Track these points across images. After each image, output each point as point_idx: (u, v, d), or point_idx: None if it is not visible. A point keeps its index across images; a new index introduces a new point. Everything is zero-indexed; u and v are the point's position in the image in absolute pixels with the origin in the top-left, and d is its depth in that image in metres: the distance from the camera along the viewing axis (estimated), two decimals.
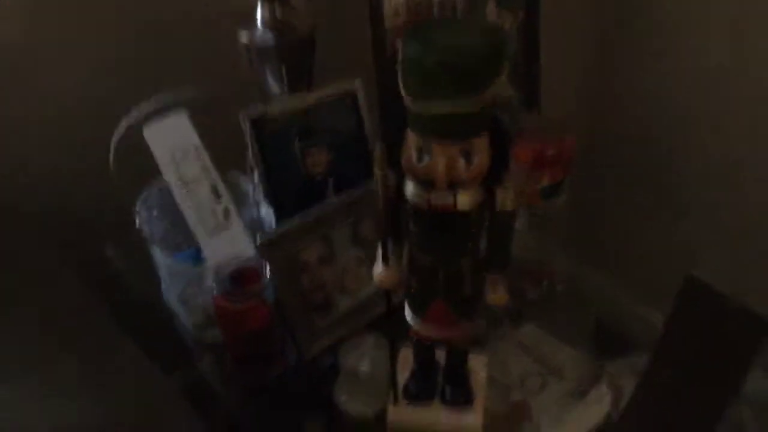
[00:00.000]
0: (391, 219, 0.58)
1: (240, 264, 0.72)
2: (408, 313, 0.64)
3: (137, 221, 0.79)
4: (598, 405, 0.82)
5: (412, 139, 0.52)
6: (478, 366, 0.73)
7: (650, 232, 1.11)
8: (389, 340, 0.64)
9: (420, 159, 0.52)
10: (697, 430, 0.69)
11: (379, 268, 0.57)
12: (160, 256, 0.78)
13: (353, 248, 0.79)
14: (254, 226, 0.86)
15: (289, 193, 0.85)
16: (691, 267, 0.95)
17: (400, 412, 0.69)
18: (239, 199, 0.87)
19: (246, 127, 0.81)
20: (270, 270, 0.71)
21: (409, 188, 0.56)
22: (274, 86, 0.85)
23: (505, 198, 0.55)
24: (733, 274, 0.88)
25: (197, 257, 0.86)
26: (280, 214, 0.84)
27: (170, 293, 0.82)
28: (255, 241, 0.72)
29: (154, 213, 0.87)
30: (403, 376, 0.72)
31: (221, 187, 0.84)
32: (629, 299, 0.96)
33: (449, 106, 0.48)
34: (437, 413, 0.69)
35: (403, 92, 0.50)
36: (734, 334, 0.81)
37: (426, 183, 0.53)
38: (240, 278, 0.71)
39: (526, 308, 0.97)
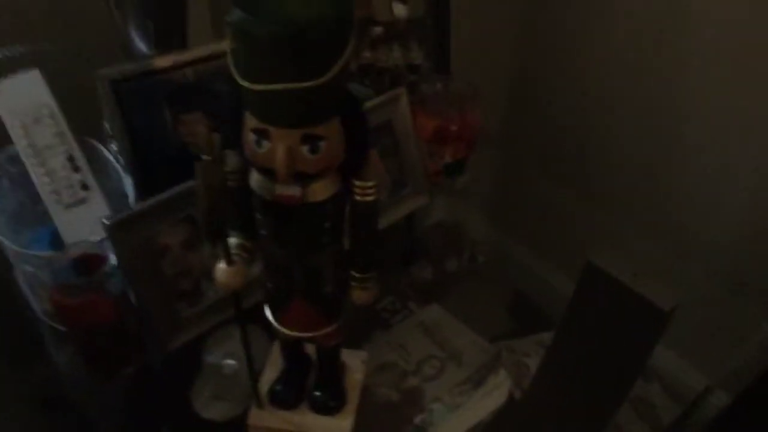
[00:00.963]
0: (238, 208, 0.50)
1: (86, 249, 0.63)
2: (268, 314, 0.57)
3: None
4: (495, 393, 0.78)
5: (249, 120, 0.44)
6: (354, 363, 0.67)
7: (573, 211, 1.07)
8: (243, 339, 0.56)
9: (259, 145, 0.44)
10: (601, 409, 0.67)
11: (220, 265, 0.50)
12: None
13: None
14: (120, 200, 0.77)
15: (159, 166, 0.76)
16: (593, 243, 0.93)
17: (262, 417, 0.62)
18: (101, 169, 0.77)
19: (105, 89, 0.71)
20: (119, 256, 0.63)
21: (253, 176, 0.48)
22: (140, 44, 0.75)
23: (365, 191, 0.48)
24: (646, 258, 0.85)
25: (54, 236, 0.76)
26: (147, 190, 0.75)
27: (19, 276, 0.73)
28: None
29: (4, 184, 0.77)
30: (274, 373, 0.65)
31: (78, 156, 0.74)
32: (549, 274, 0.93)
33: (281, 83, 0.40)
34: (304, 419, 0.62)
35: (231, 67, 0.42)
36: (633, 320, 0.79)
37: (267, 171, 0.45)
38: (86, 266, 0.62)
39: (444, 280, 0.93)
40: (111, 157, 0.76)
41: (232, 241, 0.51)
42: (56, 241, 0.77)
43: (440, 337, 0.84)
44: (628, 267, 0.84)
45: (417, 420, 0.74)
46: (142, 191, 0.74)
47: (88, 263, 0.63)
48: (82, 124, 0.75)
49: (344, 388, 0.65)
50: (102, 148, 0.77)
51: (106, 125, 0.73)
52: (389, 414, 0.74)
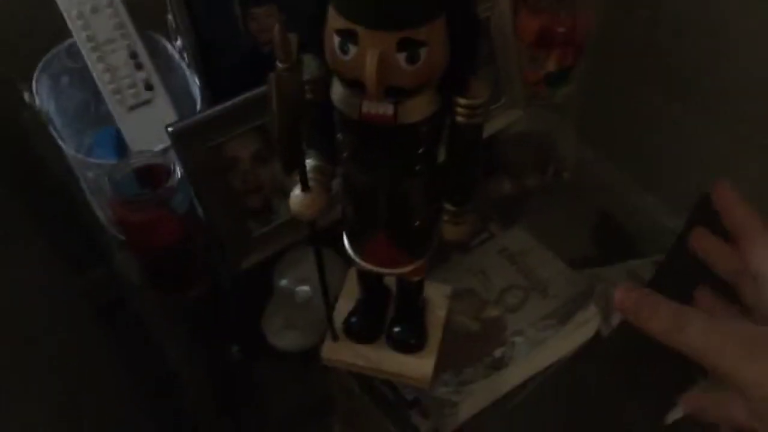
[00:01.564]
0: (292, 125, 0.42)
1: (149, 159, 0.57)
2: (346, 243, 0.51)
3: (26, 95, 0.63)
4: (583, 329, 0.71)
5: (333, 18, 0.35)
6: (437, 298, 0.60)
7: (670, 131, 0.95)
8: (318, 268, 0.50)
9: (344, 50, 0.35)
10: None
11: (296, 192, 0.42)
12: (58, 140, 0.63)
13: None
14: (187, 103, 0.71)
15: (227, 67, 0.68)
16: (708, 175, 0.82)
17: (336, 350, 0.57)
18: (167, 68, 0.70)
19: None
20: (184, 167, 0.57)
21: (336, 89, 0.40)
22: None
23: (471, 111, 0.39)
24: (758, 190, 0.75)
25: (118, 138, 0.71)
26: (216, 94, 0.68)
27: (82, 181, 0.68)
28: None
29: (64, 81, 0.71)
30: (348, 303, 0.60)
31: (142, 53, 0.67)
32: (639, 196, 0.85)
33: None
34: (381, 355, 0.57)
35: None
36: None
37: (356, 84, 0.37)
38: (149, 178, 0.57)
39: (525, 195, 0.85)
40: (176, 55, 0.69)
41: (309, 162, 0.43)
42: (121, 144, 0.72)
43: (524, 265, 0.76)
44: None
45: (497, 353, 0.68)
46: (210, 95, 0.67)
47: (153, 175, 0.57)
48: (145, 16, 0.68)
49: (426, 325, 0.58)
50: (167, 44, 0.69)
51: (170, 19, 0.65)
52: (467, 344, 0.69)
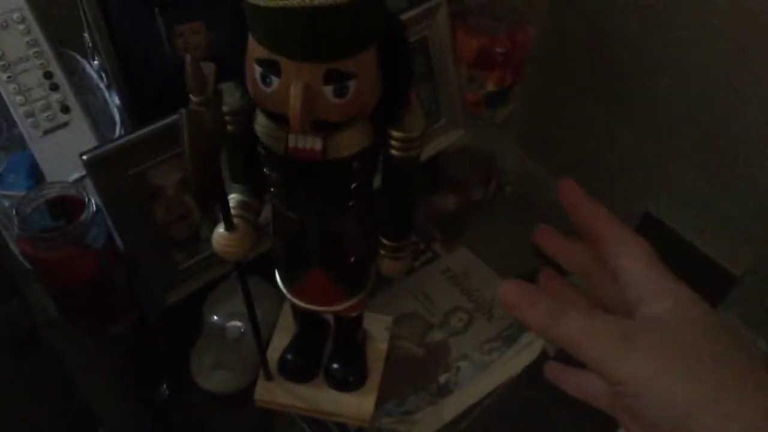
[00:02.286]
0: (240, 157, 0.39)
1: (62, 191, 0.52)
2: (278, 280, 0.47)
3: None
4: (528, 350, 0.69)
5: (253, 47, 0.32)
6: (378, 331, 0.58)
7: (611, 145, 0.95)
8: (247, 303, 0.46)
9: (266, 82, 0.32)
10: None
11: (220, 231, 0.39)
12: None
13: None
14: (108, 126, 0.66)
15: (151, 87, 0.64)
16: (649, 187, 0.82)
17: (271, 391, 0.54)
18: (85, 89, 0.66)
19: None
20: (102, 197, 0.52)
21: (260, 120, 0.37)
22: None
23: (406, 144, 0.37)
24: (695, 207, 0.75)
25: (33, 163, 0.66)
26: (139, 117, 0.64)
27: None
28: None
29: None
30: (284, 338, 0.56)
31: (57, 72, 0.62)
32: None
33: None
34: (318, 395, 0.54)
35: None
36: (697, 283, 0.70)
37: (277, 117, 0.34)
38: (63, 210, 0.52)
39: (469, 210, 0.83)
40: (95, 75, 0.64)
41: (234, 198, 0.40)
42: (34, 169, 0.67)
43: (469, 286, 0.74)
44: (693, 221, 0.74)
45: (441, 379, 0.66)
46: (133, 118, 0.62)
47: (67, 207, 0.52)
48: (61, 33, 0.63)
49: (366, 360, 0.56)
50: (86, 63, 0.65)
51: (87, 36, 0.60)
52: (411, 371, 0.66)
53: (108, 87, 0.63)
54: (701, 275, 0.69)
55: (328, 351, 0.56)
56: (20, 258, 0.63)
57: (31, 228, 0.50)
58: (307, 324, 0.54)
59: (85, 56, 0.64)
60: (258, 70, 0.32)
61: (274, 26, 0.30)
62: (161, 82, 0.64)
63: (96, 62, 0.61)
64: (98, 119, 0.66)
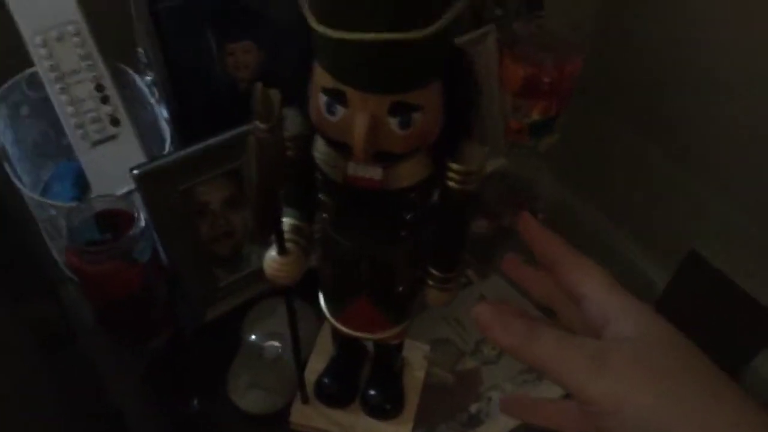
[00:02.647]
0: (271, 188, 0.39)
1: (111, 204, 0.53)
2: (323, 305, 0.47)
3: None
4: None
5: (320, 76, 0.32)
6: (416, 359, 0.57)
7: (654, 178, 0.94)
8: (291, 324, 0.46)
9: (331, 110, 0.32)
10: None
11: (272, 254, 0.39)
12: (14, 178, 0.59)
13: None
14: (155, 141, 0.67)
15: (201, 104, 0.65)
16: (695, 227, 0.80)
17: (306, 414, 0.53)
18: (135, 103, 0.67)
19: (140, 8, 0.59)
20: (150, 212, 0.53)
21: (319, 147, 0.37)
22: None
23: (464, 177, 0.36)
24: (738, 252, 0.74)
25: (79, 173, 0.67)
26: (187, 133, 0.64)
27: (38, 220, 0.64)
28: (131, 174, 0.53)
29: (23, 112, 0.67)
30: (321, 361, 0.56)
31: (109, 85, 0.63)
32: (618, 241, 0.83)
33: (374, 32, 0.28)
34: (354, 421, 0.53)
35: (301, 1, 0.30)
36: (737, 322, 0.69)
37: (341, 146, 0.34)
38: (110, 223, 0.53)
39: (500, 236, 0.83)
40: (146, 90, 0.65)
41: (286, 221, 0.40)
42: (82, 180, 0.67)
43: None
44: (741, 263, 0.72)
45: (472, 409, 0.65)
46: (181, 134, 0.63)
47: (115, 220, 0.53)
48: (114, 47, 0.64)
49: (403, 389, 0.55)
50: (137, 77, 0.66)
51: (141, 51, 0.61)
52: (441, 399, 0.65)
53: (158, 102, 0.64)
54: (747, 319, 0.67)
55: (365, 376, 0.56)
56: (62, 266, 0.64)
57: (79, 240, 0.51)
58: (346, 348, 0.54)
59: (137, 71, 0.65)
60: (323, 98, 0.32)
61: (344, 57, 0.30)
62: (210, 100, 0.65)
63: (148, 77, 0.62)
64: (146, 133, 0.66)
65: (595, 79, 0.81)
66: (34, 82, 0.65)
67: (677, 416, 0.27)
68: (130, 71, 0.65)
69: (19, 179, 0.60)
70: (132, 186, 0.55)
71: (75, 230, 0.50)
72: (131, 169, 0.52)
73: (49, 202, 0.55)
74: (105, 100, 0.63)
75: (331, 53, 0.31)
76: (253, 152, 0.30)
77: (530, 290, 0.38)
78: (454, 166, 0.36)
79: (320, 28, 0.29)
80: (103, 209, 0.52)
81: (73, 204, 0.53)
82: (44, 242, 0.65)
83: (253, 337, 0.58)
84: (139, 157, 0.64)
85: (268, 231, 0.36)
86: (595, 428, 0.31)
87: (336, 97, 0.32)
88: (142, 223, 0.50)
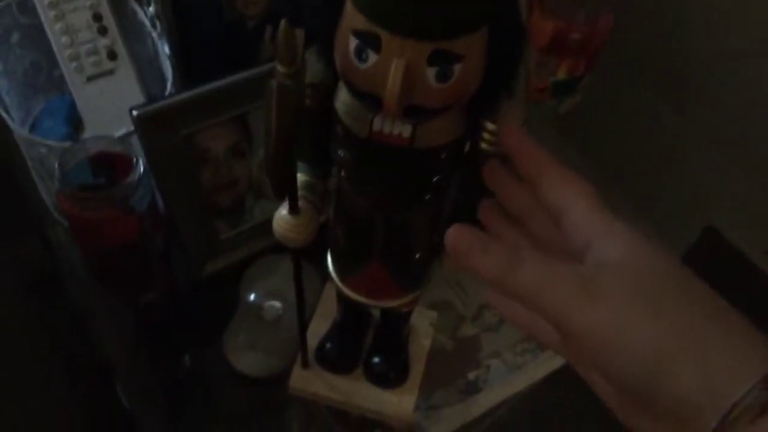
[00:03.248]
0: (289, 138, 0.35)
1: (107, 146, 0.49)
2: (331, 268, 0.44)
3: None
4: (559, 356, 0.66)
5: (351, 16, 0.28)
6: (422, 326, 0.55)
7: (672, 145, 0.91)
8: (297, 286, 0.43)
9: (361, 57, 0.29)
10: None
11: (283, 213, 0.35)
12: (2, 113, 0.55)
13: None
14: (155, 79, 0.62)
15: (206, 42, 0.60)
16: (713, 201, 0.78)
17: (306, 380, 0.51)
18: (135, 36, 0.62)
19: None
20: (149, 157, 0.49)
21: (342, 98, 0.33)
22: None
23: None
24: (762, 227, 0.71)
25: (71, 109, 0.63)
26: (190, 73, 0.60)
27: (27, 159, 0.60)
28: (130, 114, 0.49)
29: (14, 39, 0.62)
30: (323, 325, 0.53)
31: (107, 15, 0.59)
32: (621, 209, 0.80)
33: None
34: (356, 388, 0.51)
35: None
36: (753, 301, 0.66)
37: (368, 97, 0.30)
38: (105, 166, 0.49)
39: None
40: (147, 23, 0.60)
41: (299, 178, 0.36)
42: (73, 116, 0.63)
43: None
44: (759, 240, 0.69)
45: (471, 376, 0.63)
46: (182, 73, 0.59)
47: (110, 164, 0.49)
48: None
49: (408, 357, 0.52)
50: (137, 8, 0.61)
51: None
52: (440, 364, 0.63)
53: (160, 37, 0.59)
54: (763, 298, 0.65)
55: (368, 342, 0.53)
56: (51, 209, 0.60)
57: (72, 183, 0.47)
58: (351, 313, 0.51)
59: (138, 1, 0.60)
60: (354, 42, 0.28)
61: None
62: (215, 37, 0.61)
63: (151, 9, 0.58)
64: (144, 71, 0.62)
65: (616, 40, 0.77)
66: (27, 6, 0.60)
67: (680, 348, 0.25)
68: (131, 1, 0.60)
69: (7, 113, 0.55)
70: (130, 128, 0.51)
71: (68, 173, 0.47)
72: (131, 110, 0.48)
73: (41, 140, 0.51)
74: (102, 30, 0.59)
75: None
76: (273, 99, 0.26)
77: (509, 205, 0.33)
78: (491, 126, 0.33)
79: None
80: (98, 151, 0.49)
81: (67, 144, 0.50)
82: (33, 181, 0.61)
83: (253, 295, 0.55)
84: (137, 95, 0.60)
85: (285, 186, 0.32)
86: (580, 359, 0.28)
87: (369, 41, 0.28)
88: (141, 169, 0.47)
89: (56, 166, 0.47)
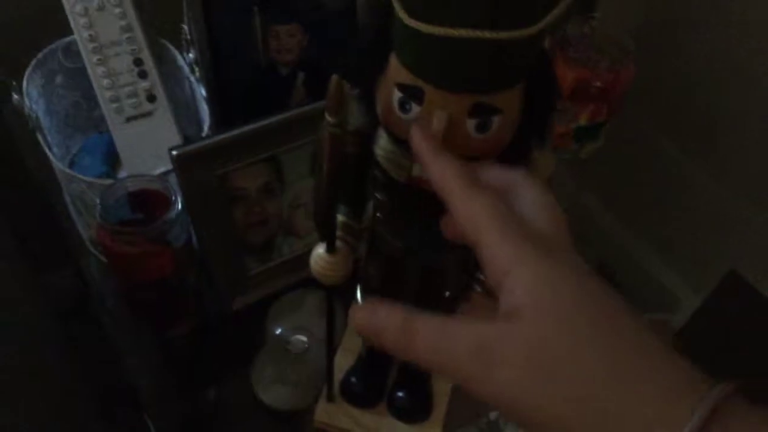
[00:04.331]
0: (338, 182, 0.37)
1: (146, 184, 0.51)
2: (360, 303, 0.45)
3: (14, 95, 0.57)
4: None
5: (396, 70, 0.30)
6: None
7: (681, 189, 0.92)
8: (328, 322, 0.44)
9: (404, 108, 0.31)
10: None
11: (320, 252, 0.37)
12: (46, 148, 0.57)
13: (311, 177, 0.58)
14: (191, 122, 0.65)
15: (241, 86, 0.63)
16: (734, 246, 0.78)
17: (331, 413, 0.52)
18: (173, 81, 0.65)
19: None
20: (186, 195, 0.51)
21: (382, 144, 0.35)
22: None
23: None
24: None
25: (109, 147, 0.65)
26: (225, 116, 0.63)
27: (65, 194, 0.62)
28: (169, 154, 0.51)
29: (58, 81, 0.65)
30: (348, 359, 0.54)
31: (148, 60, 0.61)
32: (640, 252, 0.82)
33: (471, 28, 0.26)
34: (380, 422, 0.52)
35: None
36: None
37: (409, 145, 0.32)
38: (144, 204, 0.51)
39: None
40: (186, 68, 0.63)
41: (337, 218, 0.38)
42: (111, 154, 0.66)
43: None
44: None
45: (492, 415, 0.63)
46: (219, 116, 0.61)
47: (147, 200, 0.51)
48: (156, 21, 0.62)
49: (432, 392, 0.53)
50: (177, 54, 0.64)
51: (185, 27, 0.59)
52: (463, 400, 0.63)
53: (198, 81, 0.62)
54: None
55: (392, 377, 0.54)
56: (87, 242, 0.62)
57: (111, 218, 0.49)
58: (376, 348, 0.52)
59: (177, 47, 0.63)
60: (397, 95, 0.30)
61: (430, 53, 0.28)
62: (250, 82, 0.63)
63: (190, 55, 0.60)
64: (181, 113, 0.65)
65: (637, 88, 0.79)
66: (71, 51, 0.63)
67: (578, 419, 0.23)
68: (171, 47, 0.63)
69: (50, 150, 0.58)
70: (167, 166, 0.53)
71: (108, 208, 0.49)
72: (170, 149, 0.50)
73: (83, 177, 0.53)
74: (143, 74, 0.61)
75: (415, 47, 0.29)
76: (325, 147, 0.28)
77: (450, 237, 0.30)
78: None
79: (407, 19, 0.27)
80: (137, 188, 0.51)
81: (108, 181, 0.52)
82: (70, 216, 0.63)
83: (279, 329, 0.56)
84: (173, 136, 0.62)
85: (330, 227, 0.34)
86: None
87: (413, 94, 0.30)
88: (179, 206, 0.49)
89: (97, 201, 0.49)
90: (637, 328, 0.24)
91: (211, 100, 0.61)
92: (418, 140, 0.29)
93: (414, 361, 0.26)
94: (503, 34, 0.26)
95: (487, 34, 0.26)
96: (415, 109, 0.30)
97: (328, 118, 0.29)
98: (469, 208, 0.27)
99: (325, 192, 0.30)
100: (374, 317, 0.28)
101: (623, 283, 0.80)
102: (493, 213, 0.26)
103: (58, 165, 0.55)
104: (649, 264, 0.83)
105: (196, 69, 0.61)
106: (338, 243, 0.37)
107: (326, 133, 0.28)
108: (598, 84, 0.65)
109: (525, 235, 0.26)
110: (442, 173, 0.28)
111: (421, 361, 0.26)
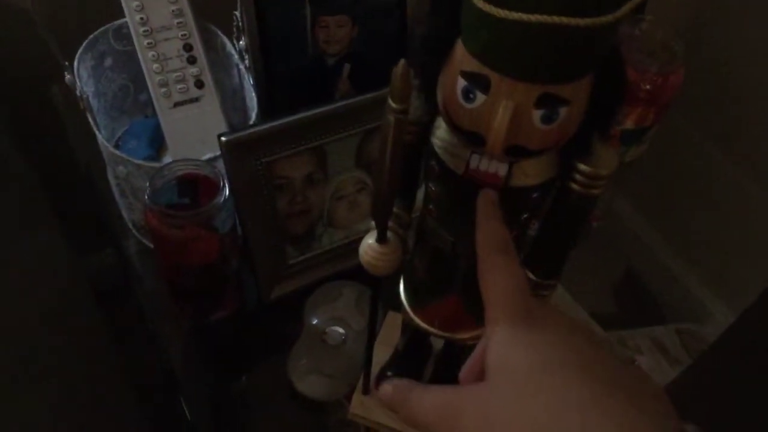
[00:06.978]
0: (400, 171, 0.37)
1: (194, 169, 0.51)
2: (403, 297, 0.45)
3: (66, 75, 0.58)
4: None
5: (461, 58, 0.30)
6: None
7: (719, 199, 0.90)
8: (371, 317, 0.44)
9: (468, 97, 0.30)
10: None
11: (370, 242, 0.37)
12: (95, 129, 0.58)
13: (355, 169, 0.58)
14: (237, 109, 0.65)
15: (288, 76, 0.63)
16: (760, 262, 0.77)
17: (366, 406, 0.51)
18: (221, 67, 0.65)
19: None
20: (232, 181, 0.51)
21: (440, 134, 0.34)
22: None
23: (591, 181, 0.34)
24: None
25: (155, 131, 0.66)
26: (270, 104, 0.63)
27: (110, 176, 0.63)
28: (218, 140, 0.51)
29: (107, 63, 0.66)
30: (383, 353, 0.54)
31: (198, 46, 0.62)
32: (670, 258, 0.82)
33: (545, 13, 0.26)
34: None
35: None
36: None
37: (470, 136, 0.31)
38: (191, 189, 0.51)
39: None
40: (236, 55, 0.63)
41: None
42: (156, 138, 0.67)
43: None
44: None
45: None
46: (266, 105, 0.61)
47: (195, 185, 0.52)
48: (208, 7, 0.63)
49: None
50: (226, 41, 0.64)
51: (237, 15, 0.60)
52: None
53: (247, 69, 0.62)
54: None
55: (428, 372, 0.53)
56: (129, 224, 0.63)
57: (159, 201, 0.49)
58: (414, 343, 0.52)
59: (227, 34, 0.63)
60: (462, 83, 0.30)
61: (500, 39, 0.28)
62: (298, 71, 0.64)
63: (241, 43, 0.61)
64: (227, 99, 0.65)
65: (685, 95, 0.78)
66: (122, 33, 0.64)
67: None
68: (221, 34, 0.64)
69: (99, 131, 0.59)
70: (214, 152, 0.54)
71: (157, 192, 0.49)
72: (219, 136, 0.51)
73: (134, 160, 0.54)
74: (192, 60, 0.62)
75: (484, 33, 0.28)
76: (390, 133, 0.28)
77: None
78: (583, 167, 0.34)
79: (485, 7, 0.27)
80: (185, 173, 0.51)
81: (157, 164, 0.52)
82: (113, 197, 0.64)
83: (316, 320, 0.56)
84: (220, 123, 0.62)
85: (387, 215, 0.34)
86: None
87: (478, 82, 0.29)
88: (227, 192, 0.49)
89: (147, 184, 0.49)
90: (609, 399, 0.25)
91: (258, 87, 0.61)
92: (483, 202, 0.33)
93: (410, 424, 0.31)
94: (581, 21, 0.25)
95: (564, 20, 0.25)
96: (480, 98, 0.30)
97: (393, 104, 0.29)
98: (489, 272, 0.31)
99: (387, 181, 0.30)
100: (396, 395, 0.32)
101: (651, 291, 0.79)
102: (505, 289, 0.30)
103: (108, 146, 0.56)
104: (679, 272, 0.82)
105: (246, 56, 0.61)
106: (389, 233, 0.37)
107: (391, 119, 0.28)
108: (647, 87, 0.64)
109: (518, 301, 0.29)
110: (484, 239, 0.32)
111: (413, 425, 0.30)
